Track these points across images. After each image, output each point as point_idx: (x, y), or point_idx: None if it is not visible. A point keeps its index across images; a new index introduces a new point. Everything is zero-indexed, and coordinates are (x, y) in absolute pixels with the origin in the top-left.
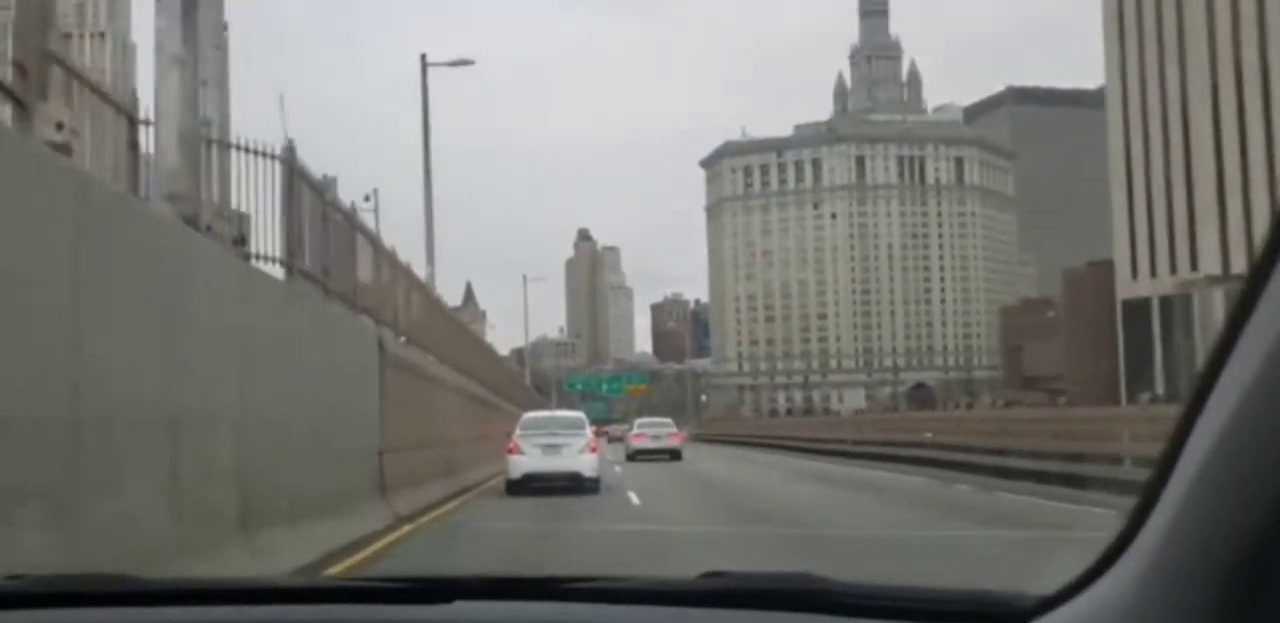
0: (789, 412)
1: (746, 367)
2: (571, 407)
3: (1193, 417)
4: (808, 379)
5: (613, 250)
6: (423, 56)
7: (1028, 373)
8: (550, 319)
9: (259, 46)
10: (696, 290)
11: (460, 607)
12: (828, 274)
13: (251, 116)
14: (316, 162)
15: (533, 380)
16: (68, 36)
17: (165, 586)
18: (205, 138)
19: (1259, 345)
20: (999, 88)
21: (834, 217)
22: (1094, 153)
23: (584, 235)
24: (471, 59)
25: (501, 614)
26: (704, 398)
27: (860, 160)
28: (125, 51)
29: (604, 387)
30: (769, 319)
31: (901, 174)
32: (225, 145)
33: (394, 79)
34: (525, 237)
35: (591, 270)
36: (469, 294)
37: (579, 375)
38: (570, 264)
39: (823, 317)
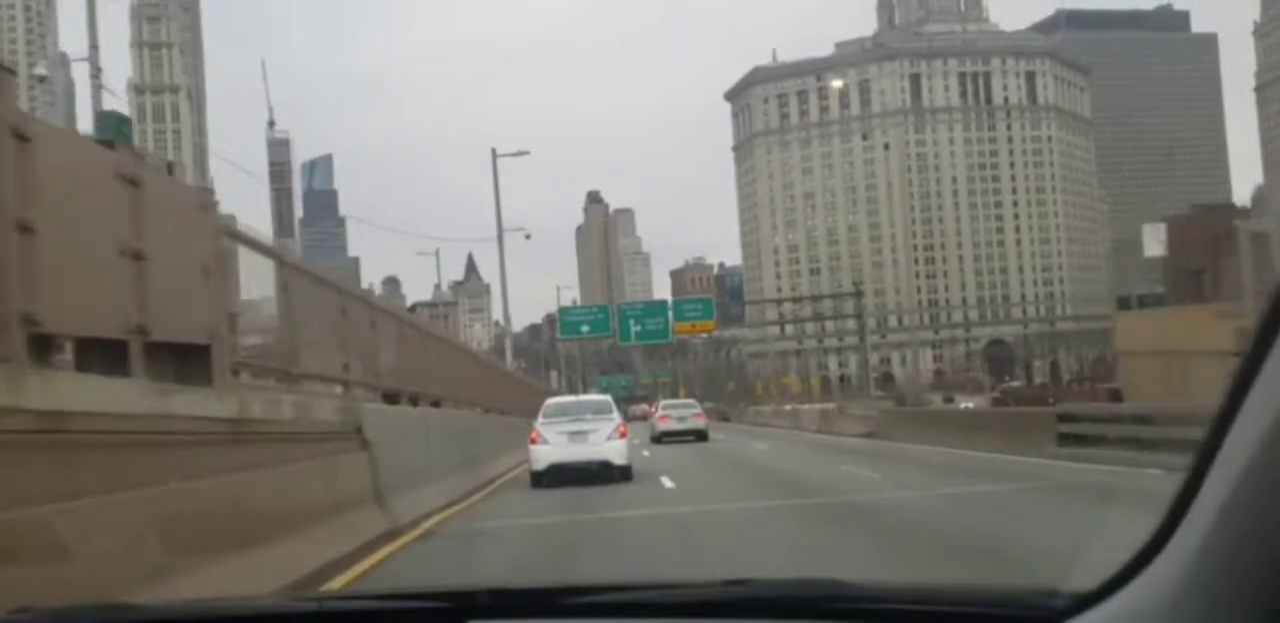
0: (843, 380)
1: (790, 329)
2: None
3: (1234, 405)
4: (864, 340)
5: (626, 213)
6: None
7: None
8: (563, 292)
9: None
10: (720, 255)
11: None
12: (882, 216)
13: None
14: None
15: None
16: None
17: (171, 612)
18: None
19: None
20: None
21: (887, 148)
22: (1165, 79)
23: (594, 198)
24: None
25: None
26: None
27: (915, 80)
28: None
29: (623, 383)
30: (814, 272)
31: (964, 94)
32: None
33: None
34: (530, 203)
35: (604, 235)
36: (470, 266)
37: (604, 377)
38: (581, 231)
39: (878, 267)
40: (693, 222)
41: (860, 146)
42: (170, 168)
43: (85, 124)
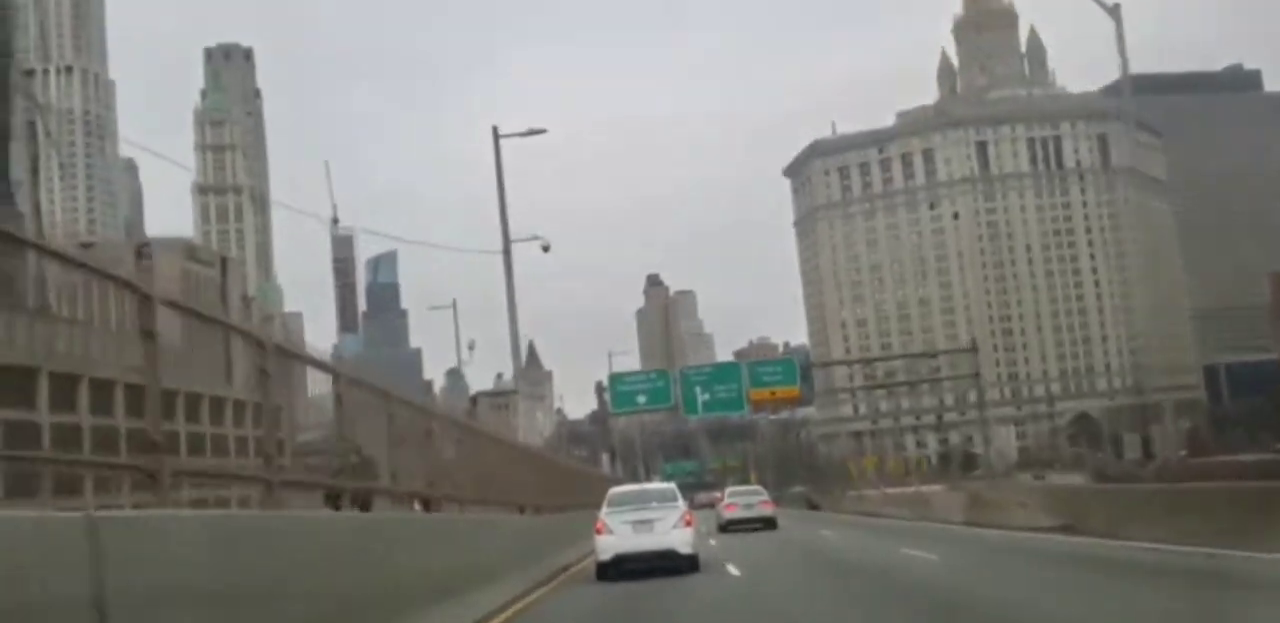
0: (942, 459)
1: (863, 409)
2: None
3: None
4: (941, 419)
5: (687, 295)
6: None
7: None
8: (621, 359)
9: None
10: (785, 333)
11: None
12: (954, 288)
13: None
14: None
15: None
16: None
17: None
18: None
19: None
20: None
21: (956, 217)
22: (1238, 142)
23: (654, 281)
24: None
25: None
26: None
27: (981, 147)
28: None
29: (689, 468)
30: (884, 346)
31: (1034, 159)
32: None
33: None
34: (590, 288)
35: (665, 317)
36: (531, 353)
37: (669, 463)
38: (641, 314)
39: (952, 340)
40: (755, 302)
41: (927, 216)
42: (224, 263)
43: (153, 224)
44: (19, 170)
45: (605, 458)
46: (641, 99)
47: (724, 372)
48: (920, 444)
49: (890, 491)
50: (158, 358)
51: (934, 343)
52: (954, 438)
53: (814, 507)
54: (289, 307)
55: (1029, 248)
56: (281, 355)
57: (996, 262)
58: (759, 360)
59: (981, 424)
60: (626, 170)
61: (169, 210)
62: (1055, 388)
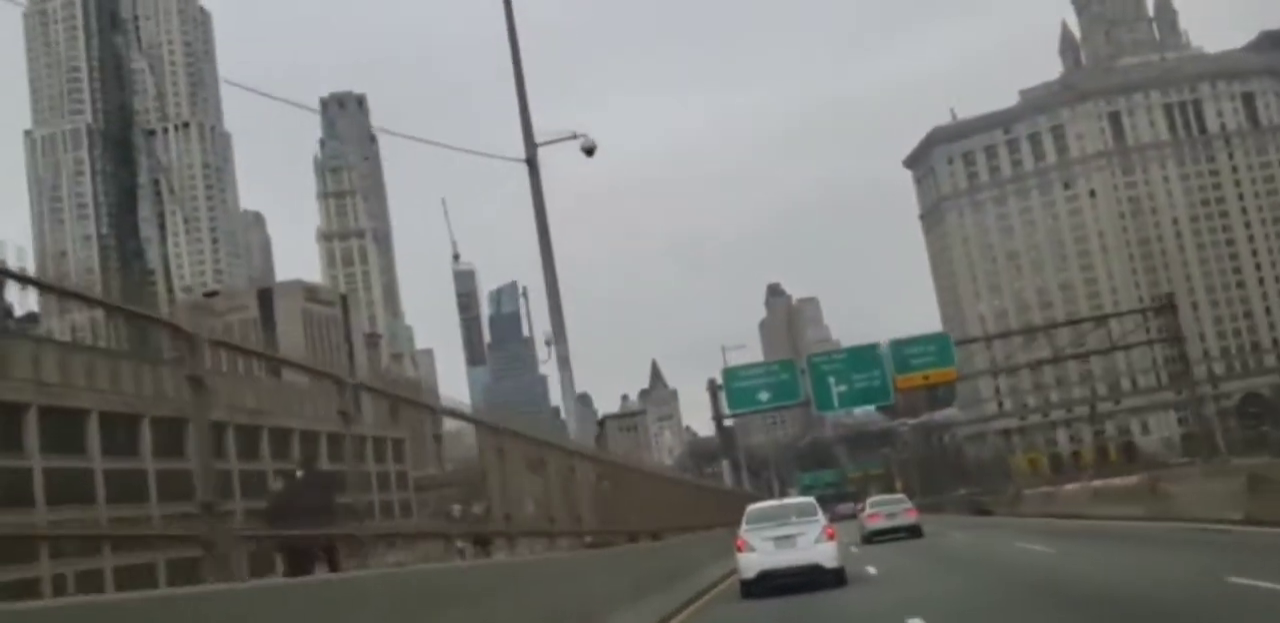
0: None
1: (1008, 404)
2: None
3: None
4: (1094, 409)
5: (811, 302)
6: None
7: None
8: (738, 354)
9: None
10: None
11: None
12: (1098, 270)
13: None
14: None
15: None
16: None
17: None
18: None
19: None
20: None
21: (1093, 195)
22: None
23: (775, 290)
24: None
25: None
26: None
27: (1115, 118)
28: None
29: (828, 479)
30: (1030, 338)
31: (1173, 127)
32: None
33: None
34: (710, 305)
35: (789, 327)
36: (655, 373)
37: (806, 474)
38: (764, 326)
39: (1101, 325)
40: (883, 303)
41: (1063, 197)
42: (345, 301)
43: (283, 271)
44: (148, 228)
45: (725, 467)
46: (746, 112)
47: (862, 356)
48: (1075, 438)
49: (1097, 484)
50: (209, 405)
51: (1081, 330)
52: (1108, 428)
53: (984, 512)
54: (420, 344)
55: (1176, 221)
56: (368, 392)
57: (1142, 239)
58: (905, 339)
59: (1191, 392)
60: (735, 185)
61: (297, 259)
62: (1218, 367)
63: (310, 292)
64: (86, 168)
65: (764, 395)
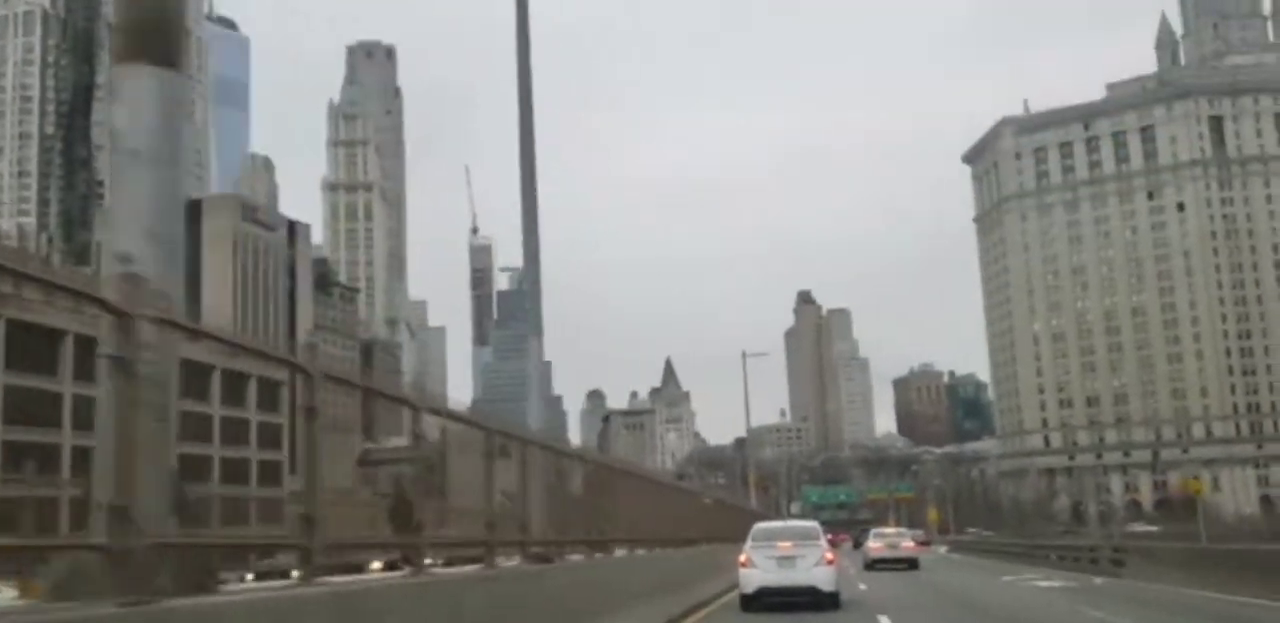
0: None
1: (1056, 440)
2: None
3: None
4: (1157, 456)
5: (841, 313)
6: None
7: None
8: (769, 402)
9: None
10: (950, 362)
11: None
12: (1178, 295)
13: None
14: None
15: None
16: None
17: None
18: None
19: None
20: None
21: (1181, 209)
22: None
23: (805, 298)
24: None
25: None
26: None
27: (1216, 123)
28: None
29: (841, 497)
30: (1089, 368)
31: None
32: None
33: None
34: (736, 309)
35: (817, 339)
36: (669, 371)
37: (814, 489)
38: (791, 335)
39: (1176, 360)
40: (918, 322)
41: (1145, 208)
42: (293, 228)
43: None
44: (102, 135)
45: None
46: (793, 126)
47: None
48: (1130, 487)
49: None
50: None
51: (1153, 363)
52: (1172, 480)
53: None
54: (433, 321)
55: (1276, 249)
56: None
57: (1233, 264)
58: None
59: None
60: (775, 196)
61: (303, 211)
62: None
63: (249, 210)
64: (37, 57)
65: None
